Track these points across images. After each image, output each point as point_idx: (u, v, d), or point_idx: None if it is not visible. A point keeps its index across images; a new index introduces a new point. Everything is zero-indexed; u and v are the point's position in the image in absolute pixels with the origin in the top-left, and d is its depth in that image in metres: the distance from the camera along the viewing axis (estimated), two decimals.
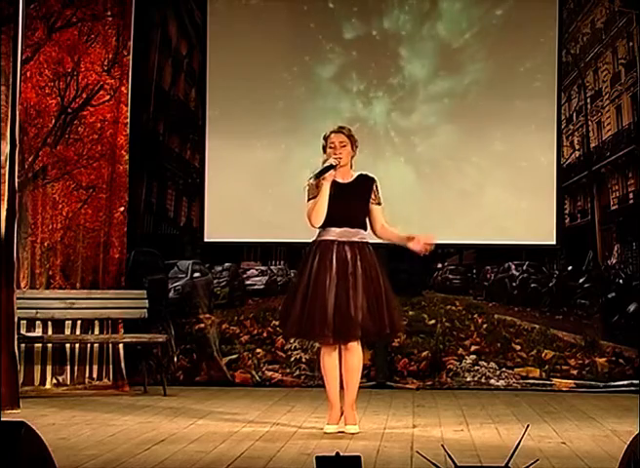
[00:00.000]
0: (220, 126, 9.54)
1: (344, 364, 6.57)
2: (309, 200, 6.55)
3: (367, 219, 6.61)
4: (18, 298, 7.76)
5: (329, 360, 6.58)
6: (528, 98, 9.35)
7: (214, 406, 7.96)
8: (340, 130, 6.64)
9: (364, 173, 6.68)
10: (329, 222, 6.50)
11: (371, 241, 6.63)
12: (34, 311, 8.75)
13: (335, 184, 6.53)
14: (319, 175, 6.43)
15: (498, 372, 9.40)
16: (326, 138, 6.62)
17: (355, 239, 6.52)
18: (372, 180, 6.64)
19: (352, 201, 6.55)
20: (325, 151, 6.62)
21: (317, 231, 6.59)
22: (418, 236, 6.54)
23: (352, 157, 6.64)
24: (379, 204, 6.62)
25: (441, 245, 9.53)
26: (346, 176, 6.63)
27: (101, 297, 9.01)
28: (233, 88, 9.54)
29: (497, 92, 9.40)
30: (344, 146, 6.57)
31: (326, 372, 6.60)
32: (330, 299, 6.39)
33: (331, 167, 6.45)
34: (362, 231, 6.57)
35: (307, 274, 6.50)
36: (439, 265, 9.70)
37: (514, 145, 9.37)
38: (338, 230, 6.50)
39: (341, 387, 6.61)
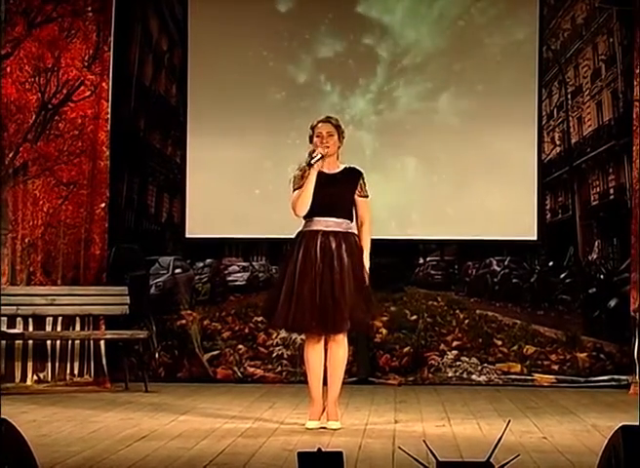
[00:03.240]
0: (202, 122, 9.53)
1: (329, 356, 6.57)
2: (294, 190, 6.56)
3: (353, 211, 6.61)
4: None
5: (313, 354, 6.57)
6: (509, 94, 9.37)
7: (195, 402, 7.95)
8: (327, 119, 6.64)
9: (351, 165, 6.69)
10: (313, 213, 6.50)
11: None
12: (15, 307, 8.71)
13: (320, 175, 6.54)
14: (309, 166, 6.44)
15: (479, 368, 9.42)
16: (313, 128, 6.61)
17: (340, 229, 6.51)
18: (358, 173, 6.64)
19: (337, 191, 6.54)
20: (312, 141, 6.61)
21: (301, 223, 6.59)
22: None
23: (339, 148, 6.64)
24: (365, 197, 6.62)
25: (423, 240, 9.61)
26: (333, 167, 6.63)
27: (83, 294, 8.98)
28: (214, 83, 9.52)
29: (477, 88, 9.41)
30: (332, 136, 6.57)
31: (309, 367, 6.60)
32: (316, 290, 6.39)
33: (319, 158, 6.46)
34: (347, 221, 6.56)
35: (293, 265, 6.51)
36: (421, 261, 9.71)
37: (495, 141, 9.38)
38: (322, 220, 6.50)
39: (325, 383, 6.62)
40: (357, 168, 6.68)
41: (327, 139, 6.56)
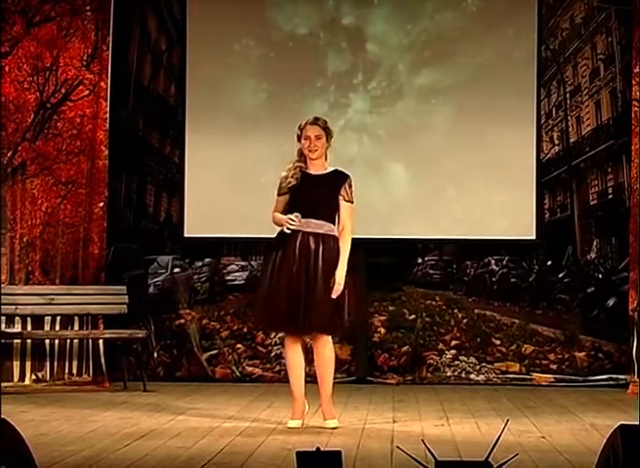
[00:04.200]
0: (200, 121, 9.52)
1: (316, 356, 6.58)
2: (278, 195, 6.59)
3: (337, 214, 6.56)
4: None
5: (292, 352, 6.58)
6: (507, 94, 9.36)
7: (194, 401, 7.95)
8: (315, 121, 6.59)
9: (340, 169, 6.65)
10: (294, 213, 6.48)
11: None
12: (13, 307, 8.71)
13: (306, 176, 6.54)
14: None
15: (477, 367, 9.42)
16: (301, 129, 6.59)
17: (320, 231, 6.48)
18: (345, 177, 6.59)
19: (319, 193, 6.49)
20: (299, 140, 6.59)
21: None
22: (334, 282, 6.42)
23: (327, 149, 6.62)
24: (348, 201, 6.55)
25: (421, 240, 9.61)
26: (319, 169, 6.59)
27: (81, 293, 8.98)
28: (213, 83, 9.52)
29: (476, 87, 9.40)
30: (319, 139, 6.54)
31: (289, 366, 6.63)
32: (292, 290, 6.38)
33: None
34: (329, 224, 6.51)
35: (272, 264, 6.52)
36: (419, 260, 9.71)
37: (494, 140, 9.37)
38: (303, 221, 6.46)
39: (317, 382, 6.63)
40: (345, 171, 6.63)
41: (315, 143, 6.53)
